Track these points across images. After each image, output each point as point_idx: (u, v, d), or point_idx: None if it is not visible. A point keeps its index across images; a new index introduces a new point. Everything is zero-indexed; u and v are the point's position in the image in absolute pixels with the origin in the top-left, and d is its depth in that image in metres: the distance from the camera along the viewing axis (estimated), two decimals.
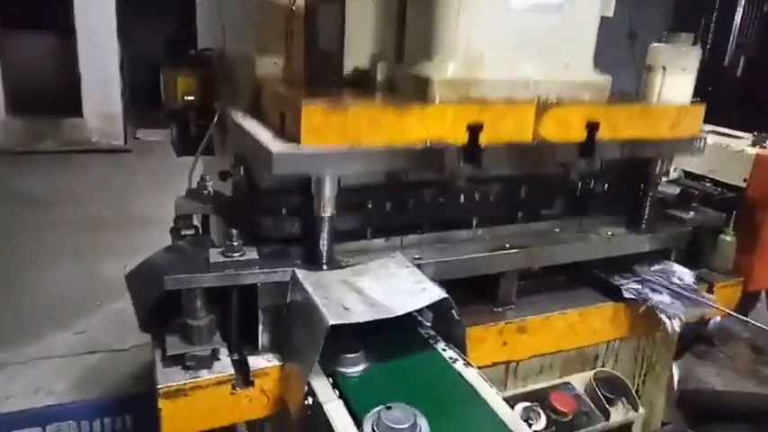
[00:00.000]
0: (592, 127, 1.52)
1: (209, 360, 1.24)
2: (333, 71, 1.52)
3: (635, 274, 1.74)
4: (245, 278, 1.25)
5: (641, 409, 1.66)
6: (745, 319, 1.92)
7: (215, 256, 1.27)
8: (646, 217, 1.77)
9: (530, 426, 1.49)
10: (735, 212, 1.91)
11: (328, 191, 1.29)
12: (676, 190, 1.95)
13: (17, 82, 7.90)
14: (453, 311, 1.23)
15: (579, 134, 1.52)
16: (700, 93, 1.73)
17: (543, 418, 1.54)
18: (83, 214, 5.52)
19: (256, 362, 1.28)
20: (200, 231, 1.67)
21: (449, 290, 1.22)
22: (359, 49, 1.62)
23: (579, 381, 1.69)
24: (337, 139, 1.27)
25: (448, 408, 1.07)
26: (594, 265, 1.72)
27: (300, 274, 1.27)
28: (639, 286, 1.69)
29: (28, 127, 7.95)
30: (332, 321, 1.08)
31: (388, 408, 0.98)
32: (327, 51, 1.50)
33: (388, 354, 1.19)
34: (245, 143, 1.43)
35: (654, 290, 1.68)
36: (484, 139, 1.39)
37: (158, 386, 1.18)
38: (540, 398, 1.59)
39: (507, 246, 1.54)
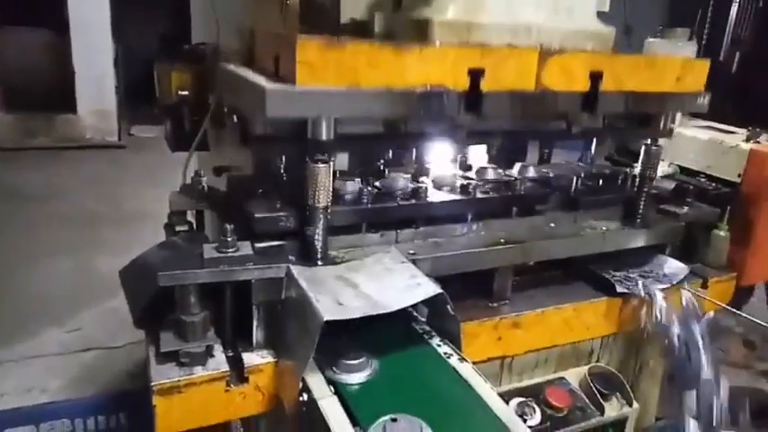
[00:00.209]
0: (595, 77, 1.49)
1: (204, 357, 1.23)
2: (330, 23, 1.48)
3: (629, 269, 1.75)
4: (239, 274, 1.24)
5: (636, 404, 1.67)
6: (735, 311, 1.92)
7: (209, 251, 1.26)
8: (640, 212, 1.77)
9: (524, 421, 1.49)
10: (729, 208, 1.92)
11: (324, 134, 1.26)
12: (671, 185, 1.95)
13: (10, 78, 7.85)
14: (448, 307, 1.23)
15: (582, 84, 1.49)
16: None
17: (538, 413, 1.54)
18: (77, 210, 5.49)
19: (251, 358, 1.28)
20: (195, 227, 1.67)
21: (444, 285, 1.22)
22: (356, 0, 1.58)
23: (574, 376, 1.69)
24: (334, 79, 1.22)
25: (446, 408, 1.07)
26: (589, 259, 1.72)
27: (295, 269, 1.26)
28: (632, 282, 1.69)
29: (21, 123, 7.90)
30: (326, 317, 1.08)
31: (394, 420, 0.97)
32: (323, 3, 1.47)
33: (384, 350, 1.19)
34: (238, 89, 1.37)
35: (645, 284, 1.68)
36: (485, 85, 1.35)
37: (152, 383, 1.17)
38: (534, 393, 1.60)
39: (502, 241, 1.54)
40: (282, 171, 1.56)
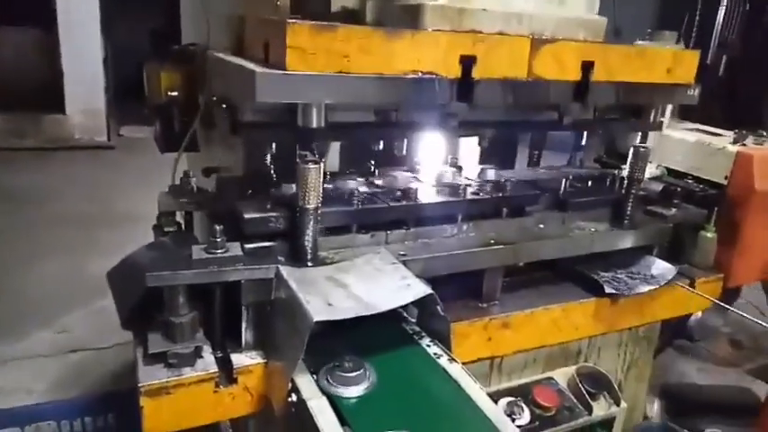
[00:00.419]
0: (587, 66, 1.49)
1: (192, 357, 1.23)
2: (320, 12, 1.46)
3: (617, 270, 1.76)
4: (228, 275, 1.23)
5: (623, 404, 1.68)
6: (728, 307, 1.95)
7: (198, 252, 1.26)
8: (628, 213, 1.79)
9: (513, 421, 1.50)
10: (716, 209, 1.94)
11: (315, 121, 1.24)
12: (659, 187, 1.97)
13: None
14: (438, 307, 1.23)
15: (574, 73, 1.49)
16: None
17: (527, 412, 1.55)
18: (66, 211, 5.44)
19: (240, 359, 1.27)
20: (184, 228, 1.66)
21: (434, 285, 1.22)
22: None
23: (562, 376, 1.70)
24: (325, 64, 1.21)
25: (436, 408, 1.08)
26: (578, 260, 1.73)
27: (285, 270, 1.26)
28: (620, 282, 1.70)
29: (9, 124, 7.81)
30: (316, 318, 1.08)
31: None
32: None
33: (373, 351, 1.19)
34: (227, 76, 1.36)
35: (632, 285, 1.70)
36: (477, 73, 1.35)
37: (140, 384, 1.16)
38: (523, 393, 1.61)
39: (492, 242, 1.55)
40: (273, 171, 1.55)
